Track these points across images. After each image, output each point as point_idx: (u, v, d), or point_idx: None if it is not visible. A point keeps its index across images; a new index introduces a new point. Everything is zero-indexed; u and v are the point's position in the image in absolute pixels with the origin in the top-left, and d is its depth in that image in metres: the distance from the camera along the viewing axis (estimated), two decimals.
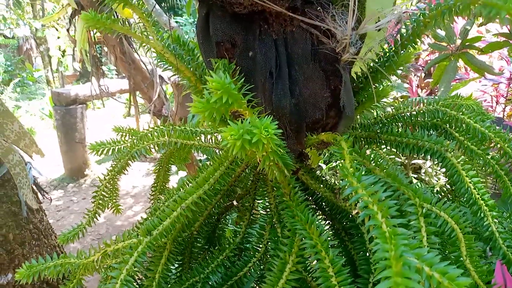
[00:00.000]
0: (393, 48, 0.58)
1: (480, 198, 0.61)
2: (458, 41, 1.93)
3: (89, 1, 2.07)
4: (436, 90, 3.11)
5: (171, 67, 0.64)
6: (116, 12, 2.16)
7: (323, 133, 0.56)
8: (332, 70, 0.53)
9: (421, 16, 0.54)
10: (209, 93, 0.43)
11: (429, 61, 2.01)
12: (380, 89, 0.59)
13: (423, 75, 4.27)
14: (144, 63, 2.40)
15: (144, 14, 0.59)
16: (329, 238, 0.69)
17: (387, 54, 0.58)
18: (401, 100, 3.72)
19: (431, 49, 3.69)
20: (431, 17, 0.52)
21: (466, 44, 1.90)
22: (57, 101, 4.26)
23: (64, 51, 7.27)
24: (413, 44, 0.56)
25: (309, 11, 0.50)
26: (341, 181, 0.45)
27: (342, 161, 0.49)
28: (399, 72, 0.68)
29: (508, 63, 3.09)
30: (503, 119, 3.07)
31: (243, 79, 0.56)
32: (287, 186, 0.63)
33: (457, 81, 3.21)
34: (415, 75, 4.49)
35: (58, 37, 6.44)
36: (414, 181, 2.78)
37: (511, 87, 3.05)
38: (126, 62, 2.34)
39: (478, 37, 1.92)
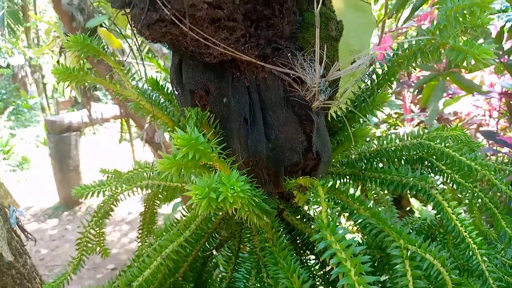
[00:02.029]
0: (369, 88, 0.57)
1: (468, 236, 0.60)
2: (445, 61, 1.94)
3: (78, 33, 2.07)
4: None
5: (148, 114, 0.63)
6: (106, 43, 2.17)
7: (301, 177, 0.55)
8: (305, 115, 0.52)
9: (395, 56, 0.53)
10: (177, 148, 0.42)
11: (421, 77, 2.01)
12: (358, 129, 0.57)
13: (415, 91, 4.29)
14: None
15: (118, 63, 0.58)
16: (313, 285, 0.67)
17: (364, 93, 0.57)
18: (395, 117, 3.72)
19: None
20: (403, 57, 0.51)
21: (451, 66, 1.91)
22: (51, 129, 4.25)
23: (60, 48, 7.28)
24: (389, 83, 0.56)
25: (277, 59, 0.49)
26: (316, 234, 0.43)
27: (319, 209, 0.48)
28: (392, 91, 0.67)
29: (498, 77, 3.11)
30: (496, 133, 3.07)
31: (217, 126, 0.55)
32: (270, 230, 0.61)
33: (449, 96, 3.22)
34: (407, 91, 4.51)
35: (54, 65, 6.47)
36: (413, 200, 2.75)
37: (503, 101, 3.07)
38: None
39: None
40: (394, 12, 1.81)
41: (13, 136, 6.24)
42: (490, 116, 3.42)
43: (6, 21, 7.47)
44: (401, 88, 4.25)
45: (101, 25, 2.08)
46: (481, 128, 3.56)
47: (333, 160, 0.66)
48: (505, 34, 1.77)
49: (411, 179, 0.63)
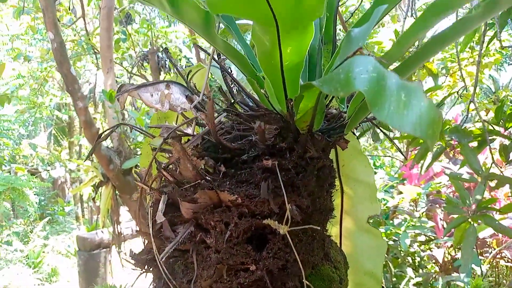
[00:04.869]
0: None
1: None
2: (473, 204, 1.92)
3: (114, 174, 2.23)
4: None
5: None
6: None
7: None
8: None
9: None
10: None
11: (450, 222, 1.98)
12: None
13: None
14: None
15: None
16: None
17: None
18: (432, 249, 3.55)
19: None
20: None
21: (482, 206, 1.88)
22: (82, 246, 4.31)
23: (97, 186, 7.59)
24: None
25: None
26: None
27: None
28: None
29: None
30: None
31: None
32: None
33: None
34: (439, 209, 4.38)
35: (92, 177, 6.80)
36: None
37: None
38: (146, 224, 2.40)
39: (493, 199, 1.91)
40: (416, 162, 1.86)
41: (46, 246, 6.36)
42: None
43: (54, 135, 8.13)
44: (432, 206, 4.14)
45: (136, 166, 2.23)
46: None
47: None
48: None
49: None
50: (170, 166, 0.54)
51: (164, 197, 0.52)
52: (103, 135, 0.67)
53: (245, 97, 0.68)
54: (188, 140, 0.62)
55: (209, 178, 0.50)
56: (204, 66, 0.80)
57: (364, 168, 0.73)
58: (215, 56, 0.66)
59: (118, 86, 0.63)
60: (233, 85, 0.70)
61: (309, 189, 0.54)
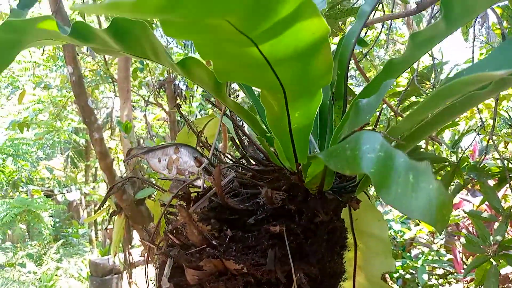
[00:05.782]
0: None
1: None
2: (494, 243, 1.85)
3: (127, 204, 2.24)
4: None
5: None
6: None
7: None
8: None
9: None
10: None
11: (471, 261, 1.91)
12: None
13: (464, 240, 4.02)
14: None
15: None
16: None
17: None
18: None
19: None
20: None
21: (504, 245, 1.82)
22: (94, 272, 4.30)
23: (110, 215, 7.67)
24: None
25: None
26: None
27: None
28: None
29: None
30: None
31: None
32: None
33: None
34: (458, 240, 4.25)
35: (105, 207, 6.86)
36: None
37: None
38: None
39: None
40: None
41: (58, 269, 6.37)
42: None
43: (71, 157, 8.27)
44: (450, 238, 4.02)
45: (149, 196, 2.23)
46: None
47: None
48: None
49: None
50: (177, 228, 0.54)
51: (170, 261, 0.52)
52: (114, 187, 0.67)
53: (256, 150, 0.68)
54: (197, 195, 0.62)
55: (215, 243, 0.50)
56: (217, 115, 0.80)
57: (378, 223, 0.72)
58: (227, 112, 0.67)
59: (127, 149, 0.64)
60: (244, 137, 0.70)
61: (318, 255, 0.52)
